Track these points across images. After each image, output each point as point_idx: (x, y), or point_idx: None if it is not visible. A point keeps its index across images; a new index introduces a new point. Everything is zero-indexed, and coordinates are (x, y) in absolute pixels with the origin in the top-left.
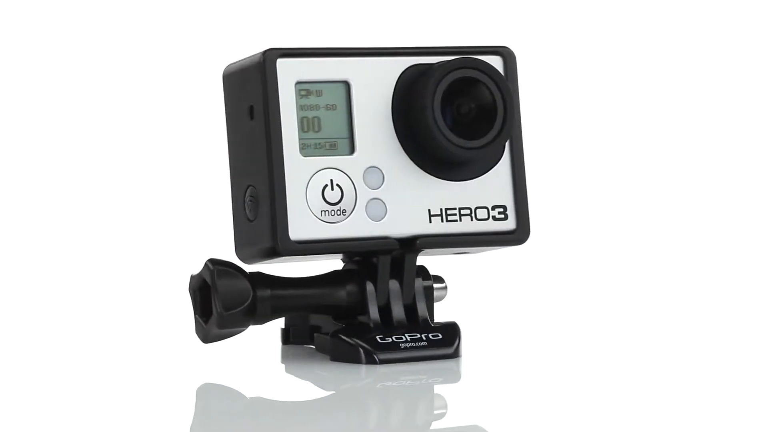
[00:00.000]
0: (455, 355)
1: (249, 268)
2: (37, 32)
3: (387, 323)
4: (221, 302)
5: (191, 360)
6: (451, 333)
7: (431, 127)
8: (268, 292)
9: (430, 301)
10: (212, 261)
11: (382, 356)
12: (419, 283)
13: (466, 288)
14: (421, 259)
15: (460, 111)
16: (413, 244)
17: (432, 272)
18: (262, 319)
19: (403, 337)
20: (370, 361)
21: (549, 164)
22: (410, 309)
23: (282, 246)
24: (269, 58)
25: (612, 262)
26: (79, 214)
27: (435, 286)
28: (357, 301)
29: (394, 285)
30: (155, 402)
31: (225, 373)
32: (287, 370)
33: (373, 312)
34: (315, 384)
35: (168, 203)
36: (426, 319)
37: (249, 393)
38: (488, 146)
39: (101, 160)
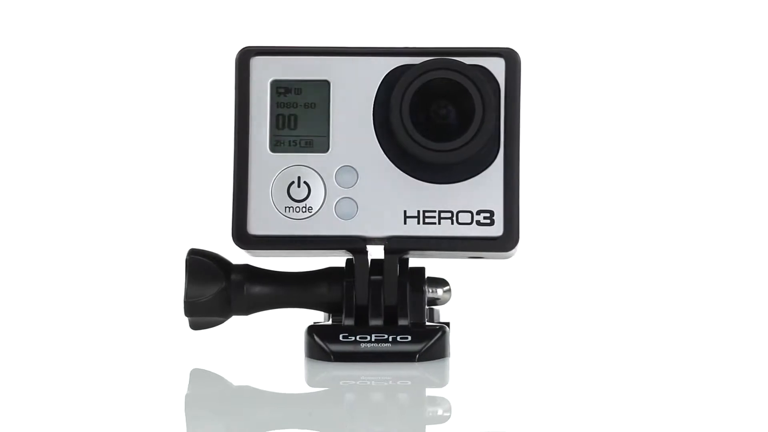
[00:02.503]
0: (420, 358)
1: (253, 261)
2: (35, 26)
3: (362, 323)
4: (186, 290)
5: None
6: (424, 336)
7: (395, 126)
8: (241, 286)
9: (420, 302)
10: (191, 250)
11: (338, 351)
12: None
13: (470, 291)
14: (428, 263)
15: (438, 113)
16: (382, 245)
17: (439, 276)
18: (238, 311)
19: (368, 336)
20: (325, 357)
21: (547, 169)
22: (393, 310)
23: (239, 239)
24: (242, 56)
25: (610, 269)
26: (81, 207)
27: (432, 288)
28: (338, 299)
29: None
30: (149, 390)
31: (213, 361)
32: (264, 364)
33: (348, 311)
34: (263, 376)
35: (178, 189)
36: (410, 321)
37: (206, 381)
38: (461, 149)
39: (105, 157)
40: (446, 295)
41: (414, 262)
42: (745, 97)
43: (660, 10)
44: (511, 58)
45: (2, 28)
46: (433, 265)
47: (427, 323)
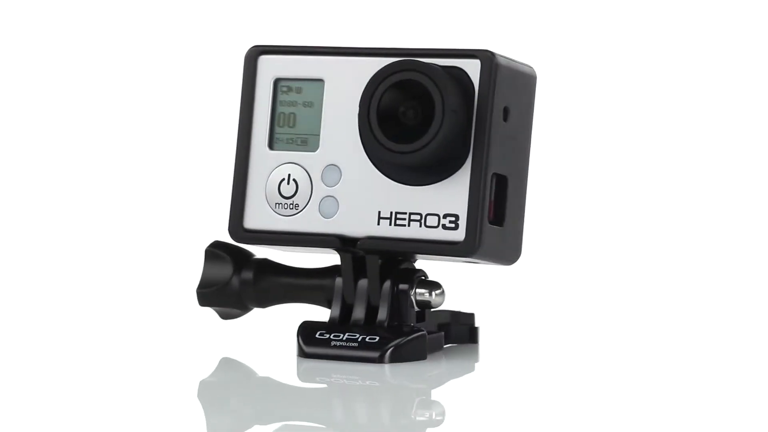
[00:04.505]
0: (381, 359)
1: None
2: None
3: (344, 321)
4: (199, 281)
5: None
6: (392, 337)
7: (361, 126)
8: (248, 278)
9: (403, 304)
10: (212, 243)
11: (309, 351)
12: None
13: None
14: (428, 265)
15: (405, 114)
16: (354, 245)
17: (437, 278)
18: (252, 303)
19: (341, 335)
20: (301, 354)
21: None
22: (374, 310)
23: (233, 232)
24: (250, 55)
25: (611, 275)
26: (88, 203)
27: (423, 291)
28: (331, 296)
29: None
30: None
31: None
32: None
33: (334, 309)
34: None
35: (190, 182)
36: (391, 322)
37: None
38: (420, 152)
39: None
40: (438, 299)
41: (420, 264)
42: (739, 99)
43: (655, 17)
44: (486, 60)
45: (12, 28)
46: (445, 268)
47: (413, 325)
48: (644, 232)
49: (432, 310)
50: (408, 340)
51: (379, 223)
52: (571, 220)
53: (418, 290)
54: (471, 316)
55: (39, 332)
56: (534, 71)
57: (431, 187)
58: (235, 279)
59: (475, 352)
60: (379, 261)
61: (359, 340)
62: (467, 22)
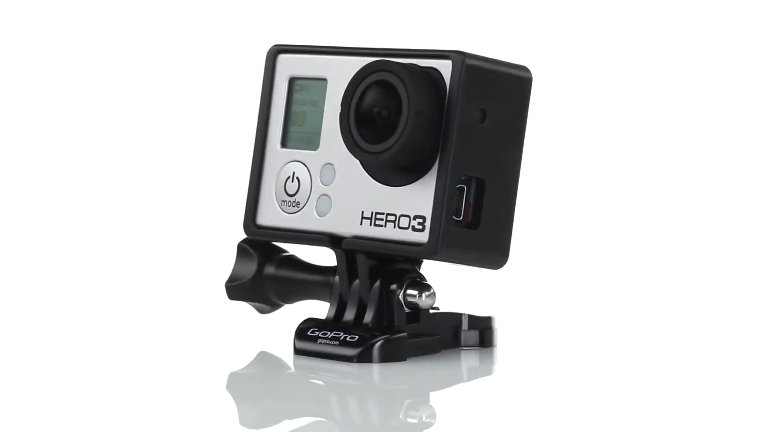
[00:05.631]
0: (354, 359)
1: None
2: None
3: (338, 319)
4: (229, 275)
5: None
6: (370, 338)
7: (341, 127)
8: (270, 273)
9: (390, 304)
10: (244, 239)
11: (299, 347)
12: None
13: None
14: (432, 266)
15: (379, 114)
16: (340, 244)
17: (438, 279)
18: (273, 297)
19: (328, 333)
20: (293, 350)
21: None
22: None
23: (246, 228)
24: (270, 54)
25: (601, 279)
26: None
27: (412, 292)
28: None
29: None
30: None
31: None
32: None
33: (330, 308)
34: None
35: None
36: (379, 322)
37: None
38: (387, 152)
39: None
40: (427, 301)
41: (426, 266)
42: (729, 101)
43: (645, 21)
44: (457, 61)
45: (32, 26)
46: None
47: (395, 327)
48: (642, 233)
49: (433, 312)
50: (384, 342)
51: (362, 223)
52: (568, 222)
53: (408, 291)
54: (486, 319)
55: (71, 328)
56: (528, 74)
57: (407, 188)
58: (258, 274)
59: (467, 355)
60: (371, 261)
61: (341, 338)
62: (484, 23)
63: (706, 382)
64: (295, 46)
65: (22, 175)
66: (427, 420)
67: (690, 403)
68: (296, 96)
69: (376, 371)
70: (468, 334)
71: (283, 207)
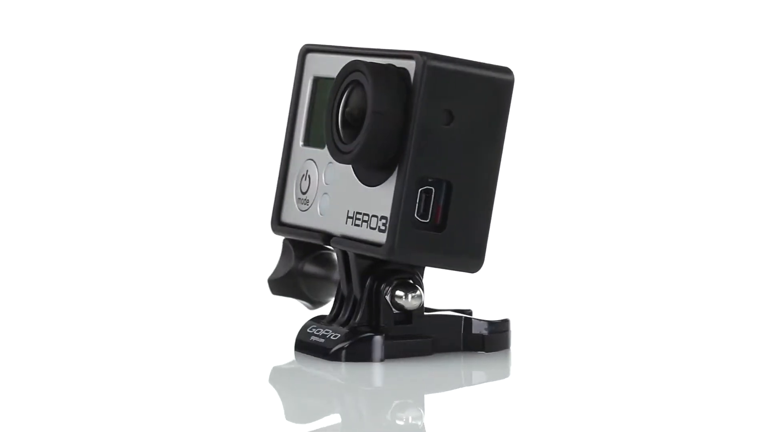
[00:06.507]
0: (332, 357)
1: None
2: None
3: (336, 317)
4: (272, 271)
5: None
6: (347, 337)
7: (324, 126)
8: (301, 270)
9: (376, 303)
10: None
11: (297, 341)
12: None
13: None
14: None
15: (352, 114)
16: (329, 242)
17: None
18: (306, 293)
19: (320, 330)
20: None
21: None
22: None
23: (272, 225)
24: (300, 53)
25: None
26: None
27: (399, 292)
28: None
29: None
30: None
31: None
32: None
33: (333, 305)
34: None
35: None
36: (369, 321)
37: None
38: (351, 152)
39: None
40: (414, 302)
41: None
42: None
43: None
44: (419, 62)
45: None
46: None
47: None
48: (642, 233)
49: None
50: (353, 342)
51: (347, 222)
52: (568, 222)
53: (395, 292)
54: (487, 324)
55: (118, 321)
56: (509, 76)
57: (379, 188)
58: (293, 271)
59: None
60: (366, 260)
61: (327, 336)
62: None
63: (706, 383)
64: (321, 46)
65: (66, 179)
66: (414, 422)
67: (689, 404)
68: (318, 95)
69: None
70: (468, 338)
71: (298, 204)
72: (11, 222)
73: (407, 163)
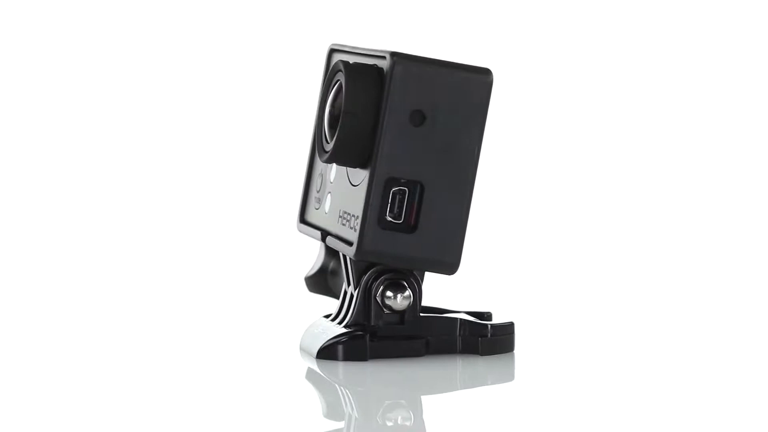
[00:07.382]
0: (319, 355)
1: None
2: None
3: (338, 314)
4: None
5: None
6: (338, 336)
7: (315, 126)
8: (330, 268)
9: (367, 302)
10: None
11: (304, 336)
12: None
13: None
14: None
15: (332, 114)
16: (325, 240)
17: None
18: (336, 290)
19: (320, 327)
20: None
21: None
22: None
23: (297, 224)
24: (328, 53)
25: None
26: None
27: (389, 293)
28: None
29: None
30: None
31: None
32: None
33: (339, 301)
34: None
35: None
36: (363, 320)
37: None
38: (331, 151)
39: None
40: (403, 302)
41: None
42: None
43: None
44: (390, 63)
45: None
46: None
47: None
48: (642, 233)
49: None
50: (332, 341)
51: (338, 221)
52: (568, 222)
53: (385, 293)
54: (483, 327)
55: (148, 317)
56: (487, 77)
57: (358, 188)
58: (323, 268)
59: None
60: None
61: (320, 334)
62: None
63: (706, 383)
64: (346, 46)
65: (86, 178)
66: (403, 423)
67: (689, 403)
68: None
69: (328, 368)
70: (464, 341)
71: (314, 204)
72: (20, 222)
73: (375, 163)
